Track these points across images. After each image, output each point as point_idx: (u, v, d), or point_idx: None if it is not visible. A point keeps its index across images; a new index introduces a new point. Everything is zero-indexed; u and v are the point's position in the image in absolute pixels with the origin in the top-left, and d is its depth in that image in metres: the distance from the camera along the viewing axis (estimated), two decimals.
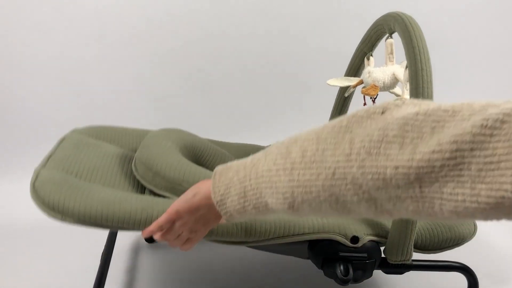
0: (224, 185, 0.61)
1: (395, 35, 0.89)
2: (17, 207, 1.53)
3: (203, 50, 1.82)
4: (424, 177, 0.40)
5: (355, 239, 0.77)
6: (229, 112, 1.94)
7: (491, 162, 0.36)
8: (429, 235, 0.84)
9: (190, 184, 0.72)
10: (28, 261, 1.20)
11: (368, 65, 1.05)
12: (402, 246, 0.78)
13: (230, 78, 1.90)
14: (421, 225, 0.85)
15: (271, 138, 1.23)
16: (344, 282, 0.76)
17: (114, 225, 0.69)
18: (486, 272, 1.16)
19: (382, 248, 0.82)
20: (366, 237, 0.78)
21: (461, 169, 0.37)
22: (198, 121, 1.91)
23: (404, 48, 0.77)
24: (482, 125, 0.36)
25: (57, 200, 0.69)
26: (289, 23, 1.87)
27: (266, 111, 1.96)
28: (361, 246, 0.77)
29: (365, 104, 1.15)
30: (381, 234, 0.80)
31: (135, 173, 0.88)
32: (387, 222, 0.83)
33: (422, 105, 0.44)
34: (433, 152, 0.39)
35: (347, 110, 1.25)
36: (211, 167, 1.05)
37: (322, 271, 0.80)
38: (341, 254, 0.76)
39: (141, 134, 1.11)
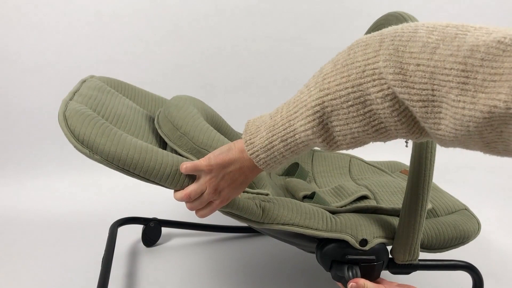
0: (255, 126, 0.62)
1: None
2: (16, 207, 1.52)
3: (203, 50, 1.82)
4: (437, 77, 0.42)
5: (364, 242, 0.77)
6: (229, 112, 1.94)
7: (495, 74, 0.37)
8: (434, 234, 0.84)
9: None
10: (27, 262, 1.18)
11: None
12: (410, 246, 0.78)
13: (230, 78, 1.90)
14: (427, 225, 0.85)
15: None
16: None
17: (141, 174, 0.66)
18: (489, 271, 1.17)
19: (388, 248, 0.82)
20: (374, 240, 0.77)
21: (467, 77, 0.39)
22: None
23: None
24: (499, 41, 0.38)
25: (88, 134, 0.65)
26: (289, 23, 1.87)
27: (267, 111, 1.96)
28: (369, 249, 0.77)
29: None
30: (390, 235, 0.80)
31: (159, 130, 0.85)
32: (395, 223, 0.83)
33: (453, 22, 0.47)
34: (451, 55, 0.41)
35: None
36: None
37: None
38: (349, 257, 0.76)
39: (157, 99, 1.08)
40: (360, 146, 0.56)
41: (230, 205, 0.70)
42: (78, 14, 1.67)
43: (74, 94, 0.78)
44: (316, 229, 0.76)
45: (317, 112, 0.53)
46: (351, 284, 0.72)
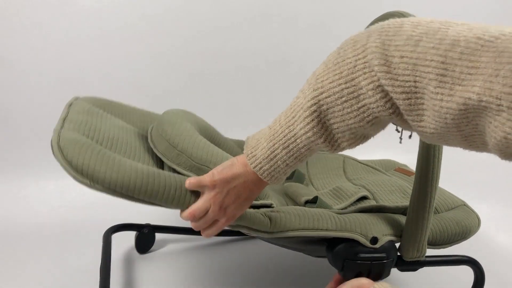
0: (255, 140, 0.62)
1: None
2: (15, 207, 1.49)
3: (204, 50, 1.81)
4: (419, 69, 0.43)
5: (374, 240, 0.77)
6: (229, 112, 1.94)
7: (472, 67, 0.39)
8: (439, 231, 0.85)
9: (216, 165, 0.68)
10: (26, 264, 1.13)
11: None
12: (418, 243, 0.79)
13: (230, 78, 1.89)
14: (431, 222, 0.86)
15: None
16: None
17: (146, 198, 0.64)
18: (490, 268, 1.19)
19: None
20: (384, 238, 0.78)
21: (446, 69, 0.40)
22: None
23: None
24: (478, 37, 0.39)
25: (86, 163, 0.62)
26: (289, 23, 1.88)
27: (266, 112, 1.96)
28: (380, 247, 0.77)
29: None
30: (398, 233, 0.81)
31: (154, 150, 0.83)
32: (401, 220, 0.84)
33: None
34: (433, 47, 0.42)
35: None
36: None
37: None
38: (361, 255, 0.76)
39: (145, 114, 1.06)
40: (363, 141, 0.57)
41: (238, 218, 0.69)
42: (78, 14, 1.65)
43: (64, 121, 0.76)
44: (326, 230, 0.76)
45: (314, 112, 0.54)
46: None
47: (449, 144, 0.46)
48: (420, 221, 0.77)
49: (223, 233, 1.34)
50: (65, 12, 1.64)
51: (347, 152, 1.34)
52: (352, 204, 0.97)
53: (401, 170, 1.19)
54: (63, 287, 1.10)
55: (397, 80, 0.45)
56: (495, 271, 1.20)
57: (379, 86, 0.48)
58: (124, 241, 1.30)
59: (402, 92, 0.45)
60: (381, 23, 0.50)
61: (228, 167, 0.62)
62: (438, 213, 0.95)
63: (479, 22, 0.43)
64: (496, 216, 1.52)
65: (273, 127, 0.60)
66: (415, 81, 0.43)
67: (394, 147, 1.78)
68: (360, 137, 0.56)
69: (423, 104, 0.44)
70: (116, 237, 1.23)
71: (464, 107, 0.39)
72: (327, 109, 0.53)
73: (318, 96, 0.53)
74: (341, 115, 0.52)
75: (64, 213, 1.51)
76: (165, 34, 1.76)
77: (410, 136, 0.92)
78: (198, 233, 1.30)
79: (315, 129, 0.54)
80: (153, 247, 1.29)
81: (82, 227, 1.41)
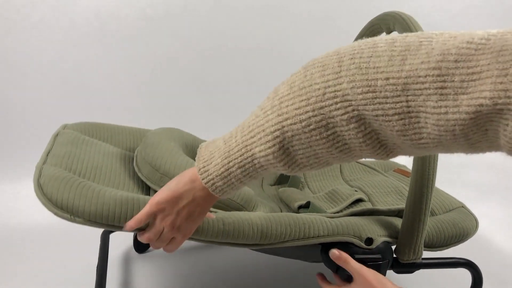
0: (208, 152, 0.58)
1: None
2: (15, 207, 1.49)
3: (203, 50, 1.82)
4: (411, 88, 0.41)
5: (369, 241, 0.77)
6: (228, 112, 1.94)
7: (473, 73, 0.37)
8: (435, 233, 0.85)
9: None
10: (23, 263, 1.14)
11: None
12: (414, 245, 0.78)
13: (230, 78, 1.90)
14: (428, 223, 0.86)
15: None
16: None
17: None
18: (489, 270, 1.19)
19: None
20: (379, 238, 0.78)
21: (444, 81, 0.38)
22: (197, 121, 1.91)
23: None
24: (468, 41, 0.38)
25: (66, 198, 0.64)
26: (289, 23, 1.88)
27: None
28: (375, 248, 0.77)
29: None
30: (393, 234, 0.80)
31: (139, 173, 0.83)
32: (395, 222, 0.83)
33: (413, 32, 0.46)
34: (422, 63, 0.40)
35: None
36: None
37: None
38: (357, 256, 0.76)
39: (135, 132, 1.06)
40: (324, 167, 0.55)
41: (225, 236, 0.69)
42: (78, 14, 1.65)
43: (47, 156, 0.77)
44: (318, 236, 0.75)
45: (276, 137, 0.51)
46: (334, 251, 0.73)
47: (451, 151, 0.44)
48: (416, 223, 0.76)
49: None
50: (65, 12, 1.64)
51: None
52: (347, 207, 0.96)
53: (400, 171, 1.19)
54: (60, 286, 1.10)
55: (386, 103, 0.43)
56: (493, 273, 1.19)
57: (353, 117, 0.45)
58: (122, 241, 1.30)
59: (395, 114, 0.43)
60: (349, 44, 0.47)
61: (173, 186, 0.60)
62: (436, 215, 0.95)
63: (496, 25, 0.41)
64: (494, 218, 1.51)
65: (228, 142, 0.56)
66: (407, 101, 0.41)
67: None
68: (323, 163, 0.53)
69: (419, 122, 0.42)
70: (114, 237, 1.23)
71: (475, 115, 0.37)
72: (292, 136, 0.50)
73: (282, 122, 0.50)
74: (308, 142, 0.50)
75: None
76: (165, 34, 1.77)
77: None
78: None
79: (276, 153, 0.52)
80: (151, 247, 1.29)
81: (80, 226, 1.41)
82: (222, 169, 0.56)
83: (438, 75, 0.39)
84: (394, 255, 0.81)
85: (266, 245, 0.73)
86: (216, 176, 0.57)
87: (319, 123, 0.48)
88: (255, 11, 1.83)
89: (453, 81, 0.38)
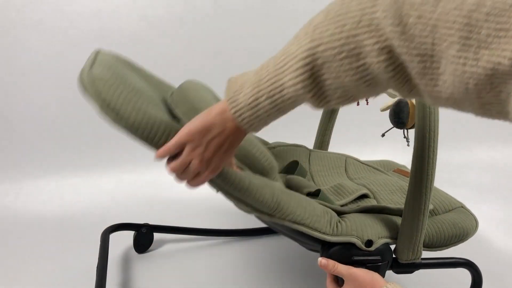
0: (239, 83, 0.58)
1: None
2: (15, 207, 1.49)
3: (203, 50, 1.81)
4: (439, 31, 0.40)
5: (369, 243, 0.77)
6: None
7: (501, 29, 0.36)
8: (435, 233, 0.85)
9: None
10: (23, 263, 1.14)
11: None
12: (413, 245, 0.78)
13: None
14: (427, 224, 0.86)
15: (265, 138, 1.22)
16: None
17: (161, 142, 0.63)
18: (488, 270, 1.18)
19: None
20: (379, 240, 0.78)
21: (471, 31, 0.37)
22: None
23: None
24: None
25: (115, 98, 0.61)
26: (289, 23, 1.87)
27: None
28: (374, 249, 0.77)
29: (358, 103, 1.15)
30: (393, 235, 0.80)
31: (176, 110, 0.81)
32: (399, 222, 0.83)
33: None
34: (455, 8, 0.39)
35: (338, 108, 1.25)
36: None
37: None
38: (356, 258, 0.76)
39: (162, 82, 1.03)
40: (349, 102, 0.53)
41: (244, 192, 0.67)
42: (78, 14, 1.65)
43: (94, 61, 0.73)
44: (323, 233, 0.75)
45: (307, 64, 0.50)
46: (321, 260, 0.73)
47: (462, 110, 0.43)
48: (415, 223, 0.76)
49: (221, 233, 1.35)
50: (65, 12, 1.64)
51: (348, 152, 1.34)
52: (353, 202, 0.96)
53: (400, 171, 1.19)
54: (60, 286, 1.10)
55: (413, 41, 0.42)
56: (493, 273, 1.19)
57: (385, 47, 0.45)
58: (122, 241, 1.30)
59: (418, 55, 0.42)
60: None
61: (204, 116, 0.59)
62: (435, 215, 0.95)
63: None
64: (494, 218, 1.51)
65: (259, 73, 0.55)
66: (433, 44, 0.40)
67: (394, 148, 1.78)
68: (349, 97, 0.53)
69: (438, 68, 0.41)
70: (114, 236, 1.23)
71: (491, 72, 0.36)
72: (323, 63, 0.49)
73: (314, 48, 0.49)
74: (338, 72, 0.49)
75: (63, 212, 1.51)
76: (165, 34, 1.76)
77: (408, 144, 0.92)
78: (196, 233, 1.31)
79: (306, 82, 0.51)
80: (151, 247, 1.29)
81: (80, 226, 1.42)
82: (251, 99, 0.55)
83: (466, 24, 0.38)
84: (394, 256, 0.81)
85: (276, 218, 0.72)
86: (245, 106, 0.56)
87: (351, 51, 0.47)
88: (256, 11, 1.83)
89: (479, 33, 0.37)
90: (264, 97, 0.54)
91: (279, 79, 0.53)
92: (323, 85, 0.51)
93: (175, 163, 0.61)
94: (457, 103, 0.42)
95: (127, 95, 0.63)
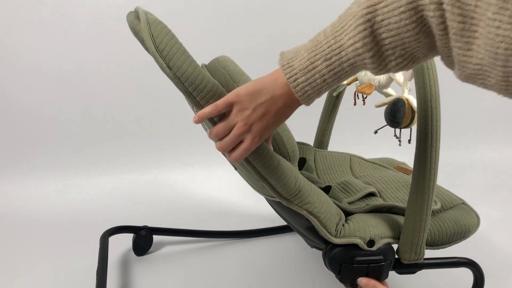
0: (293, 51, 0.56)
1: None
2: (14, 208, 1.49)
3: (203, 50, 1.80)
4: None
5: (371, 243, 0.76)
6: None
7: None
8: (437, 231, 0.84)
9: None
10: (23, 265, 1.13)
11: None
12: (416, 245, 0.78)
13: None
14: (429, 222, 0.85)
15: None
16: None
17: (203, 101, 0.62)
18: (490, 270, 1.19)
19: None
20: (381, 240, 0.77)
21: None
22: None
23: None
24: None
25: (170, 46, 0.61)
26: (288, 23, 1.87)
27: None
28: (377, 250, 0.76)
29: (355, 104, 1.15)
30: (396, 235, 0.80)
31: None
32: (402, 222, 0.82)
33: None
34: None
35: (337, 109, 1.25)
36: None
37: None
38: (358, 258, 0.75)
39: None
40: (410, 64, 0.52)
41: (269, 171, 0.66)
42: (78, 14, 1.64)
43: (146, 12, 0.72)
44: (329, 233, 0.75)
45: (368, 21, 0.49)
46: (362, 280, 0.73)
47: (485, 83, 0.43)
48: (418, 223, 0.76)
49: (221, 235, 1.34)
50: (65, 12, 1.63)
51: (353, 151, 1.33)
52: (360, 199, 0.95)
53: (400, 168, 1.18)
54: (60, 286, 1.10)
55: (458, 1, 0.42)
56: (494, 272, 1.19)
57: (440, 2, 0.44)
58: (122, 244, 1.29)
59: (459, 15, 0.42)
60: None
61: (255, 82, 0.58)
62: (437, 212, 0.94)
63: None
64: (496, 217, 1.51)
65: (316, 38, 0.54)
66: (476, 6, 0.40)
67: (394, 149, 1.78)
68: (408, 58, 0.52)
69: (476, 31, 0.41)
70: (113, 239, 1.22)
71: None
72: (382, 20, 0.48)
73: (374, 5, 0.48)
74: (397, 28, 0.48)
75: (62, 215, 1.50)
76: None
77: (409, 141, 0.91)
78: (196, 235, 1.31)
79: (366, 39, 0.50)
80: (150, 250, 1.28)
81: (80, 229, 1.41)
82: (307, 63, 0.54)
83: None
84: (396, 256, 0.81)
85: (294, 205, 0.72)
86: (300, 70, 0.54)
87: (409, 5, 0.46)
88: (256, 11, 1.82)
89: None
90: (320, 60, 0.53)
91: (338, 40, 0.52)
92: (382, 45, 0.50)
93: (219, 125, 0.60)
94: (482, 73, 0.42)
95: (180, 46, 0.63)
